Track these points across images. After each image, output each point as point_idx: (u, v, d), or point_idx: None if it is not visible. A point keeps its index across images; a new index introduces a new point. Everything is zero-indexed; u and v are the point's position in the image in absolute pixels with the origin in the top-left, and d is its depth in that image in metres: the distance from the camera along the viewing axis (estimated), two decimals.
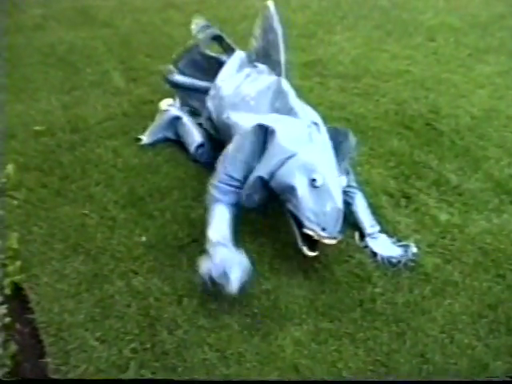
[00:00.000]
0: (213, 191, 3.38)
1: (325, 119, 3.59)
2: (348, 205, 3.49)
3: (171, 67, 4.36)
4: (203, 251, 3.24)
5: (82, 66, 5.54)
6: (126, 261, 3.38)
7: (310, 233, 3.08)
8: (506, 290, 3.26)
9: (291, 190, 3.13)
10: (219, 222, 3.29)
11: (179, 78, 4.35)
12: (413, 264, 3.37)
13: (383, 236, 3.54)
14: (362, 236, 3.55)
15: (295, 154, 3.17)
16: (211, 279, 3.02)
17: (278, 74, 3.60)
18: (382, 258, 3.41)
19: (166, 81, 4.46)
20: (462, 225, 3.67)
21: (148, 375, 2.80)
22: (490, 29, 6.61)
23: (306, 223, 3.09)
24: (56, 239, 3.51)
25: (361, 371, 2.85)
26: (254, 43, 3.83)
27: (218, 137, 3.85)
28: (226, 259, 3.08)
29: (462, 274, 3.35)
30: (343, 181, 3.28)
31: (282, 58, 3.56)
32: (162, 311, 3.09)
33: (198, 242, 3.47)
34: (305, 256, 3.18)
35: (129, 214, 3.71)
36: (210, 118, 3.96)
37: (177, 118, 4.34)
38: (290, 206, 3.17)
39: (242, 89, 3.68)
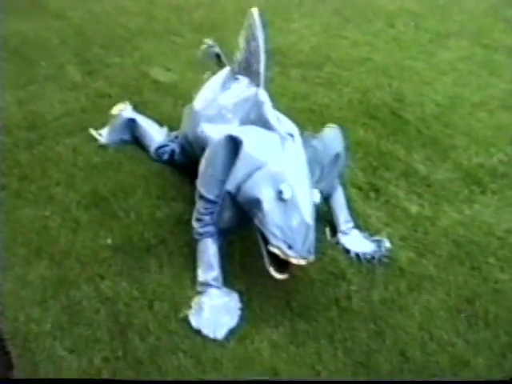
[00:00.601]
0: (195, 226, 3.21)
1: (288, 111, 3.53)
2: (325, 199, 3.39)
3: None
4: (172, 253, 3.26)
5: (36, 58, 5.35)
6: (92, 264, 3.26)
7: (276, 251, 2.77)
8: (482, 283, 3.22)
9: (257, 203, 2.86)
10: (207, 259, 3.17)
11: None
12: (386, 259, 3.31)
13: (355, 231, 3.46)
14: (334, 232, 3.45)
15: (264, 165, 2.93)
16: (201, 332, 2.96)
17: (257, 85, 3.40)
18: (356, 254, 3.33)
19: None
20: (433, 217, 3.62)
21: None
22: (449, 12, 6.56)
23: (272, 240, 2.79)
24: (17, 244, 3.37)
25: (341, 374, 2.77)
26: (238, 55, 3.66)
27: (193, 153, 3.64)
28: (215, 310, 3.03)
29: (436, 267, 3.29)
30: (316, 196, 3.03)
31: (262, 67, 3.41)
32: (133, 317, 2.99)
33: (165, 244, 3.39)
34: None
35: (92, 214, 3.59)
36: (184, 135, 3.76)
37: (131, 121, 4.21)
38: (256, 222, 2.89)
39: (219, 101, 3.50)
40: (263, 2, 6.53)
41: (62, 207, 3.63)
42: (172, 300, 3.06)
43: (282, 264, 2.82)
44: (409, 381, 2.74)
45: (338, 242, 3.42)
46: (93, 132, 4.26)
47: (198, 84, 4.56)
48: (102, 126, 4.34)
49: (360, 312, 3.05)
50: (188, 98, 4.42)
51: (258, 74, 3.36)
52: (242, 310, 3.04)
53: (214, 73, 3.87)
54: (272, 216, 2.81)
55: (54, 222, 3.53)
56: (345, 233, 3.44)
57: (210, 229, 3.16)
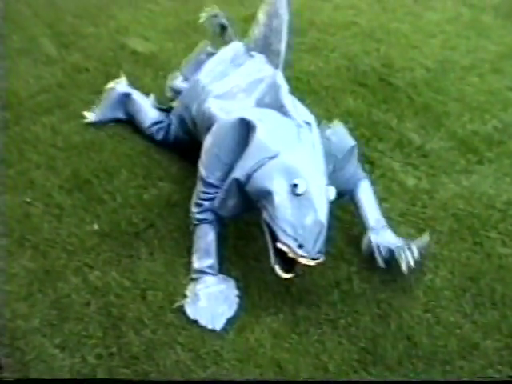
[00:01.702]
0: (194, 211, 3.05)
1: None
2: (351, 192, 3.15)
3: (176, 74, 3.92)
4: (162, 238, 3.16)
5: (7, 32, 5.10)
6: (79, 254, 3.12)
7: (284, 248, 2.60)
8: (486, 259, 3.12)
9: (268, 195, 2.67)
10: (204, 246, 3.02)
11: (181, 85, 3.81)
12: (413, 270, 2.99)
13: (389, 232, 3.13)
14: None
15: (277, 155, 2.73)
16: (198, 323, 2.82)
17: (276, 67, 3.20)
18: (378, 246, 3.01)
19: (169, 89, 3.96)
20: (431, 190, 3.51)
21: None
22: None
23: (281, 237, 2.61)
24: None
25: (346, 363, 2.66)
26: (256, 31, 3.44)
27: (194, 129, 3.45)
28: (211, 298, 2.90)
29: (438, 244, 3.19)
30: (332, 192, 2.76)
31: (283, 48, 3.21)
32: (125, 309, 2.86)
33: (154, 228, 3.26)
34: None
35: (76, 199, 3.43)
36: (186, 109, 3.52)
37: (126, 96, 3.97)
38: (265, 216, 2.70)
39: (231, 79, 3.32)
40: None
41: (43, 192, 3.47)
42: (166, 289, 2.94)
43: (288, 262, 2.66)
44: (410, 381, 2.62)
45: (370, 242, 3.06)
46: (85, 113, 4.01)
47: (179, 53, 4.43)
48: (81, 102, 4.16)
49: (362, 295, 2.94)
50: (169, 69, 4.29)
51: (277, 54, 3.20)
52: (240, 297, 2.92)
53: (212, 41, 3.77)
54: (283, 211, 2.63)
55: (36, 208, 3.37)
56: (375, 231, 3.10)
57: (209, 215, 3.01)
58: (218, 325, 2.80)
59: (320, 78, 4.47)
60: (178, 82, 3.82)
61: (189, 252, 3.07)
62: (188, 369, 2.63)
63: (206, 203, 3.00)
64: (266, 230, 2.73)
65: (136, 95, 3.93)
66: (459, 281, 3.01)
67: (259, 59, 3.34)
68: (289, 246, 2.59)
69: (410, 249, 2.92)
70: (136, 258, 3.10)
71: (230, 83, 3.27)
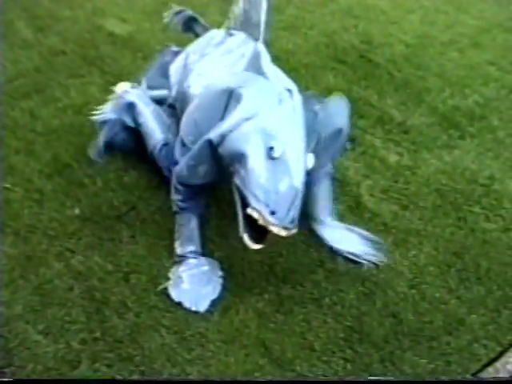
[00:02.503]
0: (175, 198, 3.00)
1: None
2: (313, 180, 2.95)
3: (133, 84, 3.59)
4: (144, 221, 3.14)
5: None
6: (61, 238, 3.09)
7: (255, 215, 2.46)
8: (470, 234, 3.13)
9: (241, 157, 2.55)
10: (187, 233, 2.99)
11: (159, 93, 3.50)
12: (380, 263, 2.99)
13: (339, 224, 3.11)
14: None
15: (255, 116, 2.62)
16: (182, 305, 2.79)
17: (256, 38, 3.15)
18: (345, 253, 2.99)
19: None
20: (413, 166, 3.50)
21: (103, 369, 2.56)
22: None
23: (252, 202, 2.47)
24: None
25: (332, 341, 2.65)
26: (235, 9, 3.38)
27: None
28: (195, 280, 2.87)
29: (421, 220, 3.19)
30: (310, 160, 2.67)
31: (263, 18, 3.14)
32: (109, 293, 2.85)
33: (136, 211, 3.23)
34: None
35: (56, 184, 3.38)
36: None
37: (131, 105, 3.40)
38: (236, 180, 2.58)
39: (212, 57, 3.27)
40: None
41: (23, 177, 3.43)
42: (149, 272, 2.92)
43: (258, 231, 2.52)
44: (408, 381, 2.60)
45: (318, 235, 3.06)
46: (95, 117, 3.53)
47: (157, 34, 4.38)
48: (59, 85, 4.12)
49: (346, 273, 2.93)
50: (147, 51, 4.26)
51: (258, 25, 3.15)
52: (224, 278, 2.91)
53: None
54: (257, 175, 2.51)
55: (16, 194, 3.33)
56: (324, 224, 3.08)
57: (191, 203, 2.98)
58: (203, 306, 2.78)
59: (299, 56, 4.43)
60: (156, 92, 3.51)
61: (171, 234, 3.05)
62: (173, 351, 2.62)
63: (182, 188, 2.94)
64: (236, 195, 2.62)
65: (142, 107, 3.38)
66: (443, 256, 3.02)
67: (239, 36, 3.28)
68: (260, 212, 2.46)
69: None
70: (118, 241, 3.07)
71: (211, 61, 3.23)
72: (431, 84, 4.15)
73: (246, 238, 2.55)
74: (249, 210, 2.50)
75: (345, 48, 4.52)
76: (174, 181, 2.98)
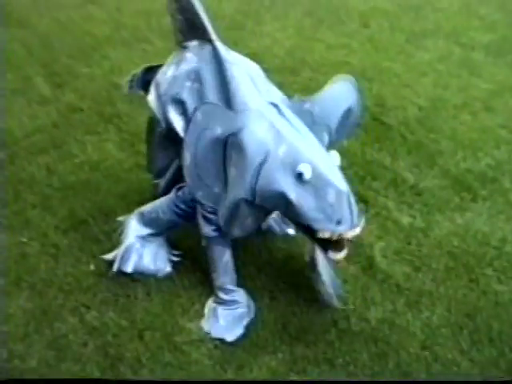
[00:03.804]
0: (205, 230, 2.96)
1: None
2: None
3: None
4: (159, 278, 3.17)
5: (1, 72, 5.14)
6: (76, 293, 3.12)
7: (326, 235, 2.53)
8: (482, 296, 3.13)
9: (281, 197, 2.56)
10: (222, 267, 3.01)
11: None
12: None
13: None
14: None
15: (268, 154, 2.61)
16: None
17: (209, 39, 2.93)
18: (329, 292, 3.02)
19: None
20: (426, 228, 3.52)
21: None
22: (423, 11, 6.43)
23: (316, 225, 2.53)
24: None
25: None
26: (175, 23, 3.10)
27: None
28: (230, 319, 2.97)
29: (434, 282, 3.20)
30: (336, 157, 2.66)
31: (203, 16, 2.93)
32: (123, 349, 2.86)
33: None
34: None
35: (72, 239, 3.43)
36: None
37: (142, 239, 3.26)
38: (290, 216, 2.68)
39: (179, 75, 2.99)
40: (234, 5, 6.43)
41: (39, 232, 3.47)
42: (163, 329, 2.93)
43: (335, 245, 2.61)
44: (407, 381, 2.64)
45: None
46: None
47: None
48: (76, 142, 4.21)
49: (360, 333, 2.94)
50: None
51: (201, 24, 2.94)
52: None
53: None
54: (305, 203, 2.54)
55: (32, 248, 3.37)
56: None
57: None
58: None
59: None
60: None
61: (186, 292, 3.10)
62: None
63: (213, 216, 2.89)
64: (297, 228, 2.80)
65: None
66: (456, 318, 3.02)
67: (192, 46, 3.03)
68: (329, 230, 2.52)
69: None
70: (133, 297, 3.09)
71: (179, 80, 2.99)
72: (444, 147, 4.20)
73: (331, 255, 2.65)
74: (319, 234, 2.55)
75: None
76: (203, 213, 2.92)
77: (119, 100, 4.70)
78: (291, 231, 3.35)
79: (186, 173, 2.94)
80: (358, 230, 2.55)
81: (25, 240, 3.42)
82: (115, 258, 3.18)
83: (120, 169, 3.96)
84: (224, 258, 2.98)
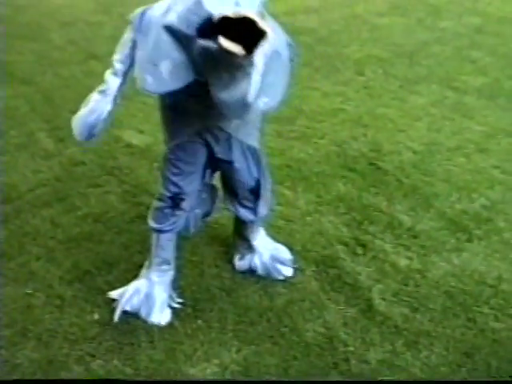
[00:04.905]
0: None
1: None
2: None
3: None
4: (162, 326, 3.21)
5: (5, 128, 5.25)
6: (81, 343, 3.17)
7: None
8: (480, 334, 3.17)
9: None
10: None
11: None
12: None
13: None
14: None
15: None
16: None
17: None
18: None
19: None
20: (422, 269, 3.58)
21: None
22: (415, 57, 6.58)
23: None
24: (1, 325, 3.26)
25: None
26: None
27: None
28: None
29: (432, 322, 3.25)
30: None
31: None
32: None
33: None
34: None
35: (76, 290, 3.49)
36: None
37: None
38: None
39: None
40: None
41: (44, 283, 3.54)
42: (166, 376, 2.98)
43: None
44: (410, 381, 2.67)
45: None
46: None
47: None
48: (79, 194, 4.29)
49: (360, 374, 2.98)
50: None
51: None
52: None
53: None
54: None
55: (37, 299, 3.43)
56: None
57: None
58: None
59: (310, 165, 4.59)
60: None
61: (189, 339, 3.15)
62: None
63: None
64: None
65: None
66: (454, 357, 3.06)
67: None
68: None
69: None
70: (137, 345, 3.14)
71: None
72: (439, 189, 4.27)
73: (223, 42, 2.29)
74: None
75: (354, 156, 4.68)
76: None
77: (120, 153, 4.82)
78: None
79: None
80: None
81: (30, 291, 3.49)
82: (121, 296, 3.30)
83: (122, 220, 4.03)
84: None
